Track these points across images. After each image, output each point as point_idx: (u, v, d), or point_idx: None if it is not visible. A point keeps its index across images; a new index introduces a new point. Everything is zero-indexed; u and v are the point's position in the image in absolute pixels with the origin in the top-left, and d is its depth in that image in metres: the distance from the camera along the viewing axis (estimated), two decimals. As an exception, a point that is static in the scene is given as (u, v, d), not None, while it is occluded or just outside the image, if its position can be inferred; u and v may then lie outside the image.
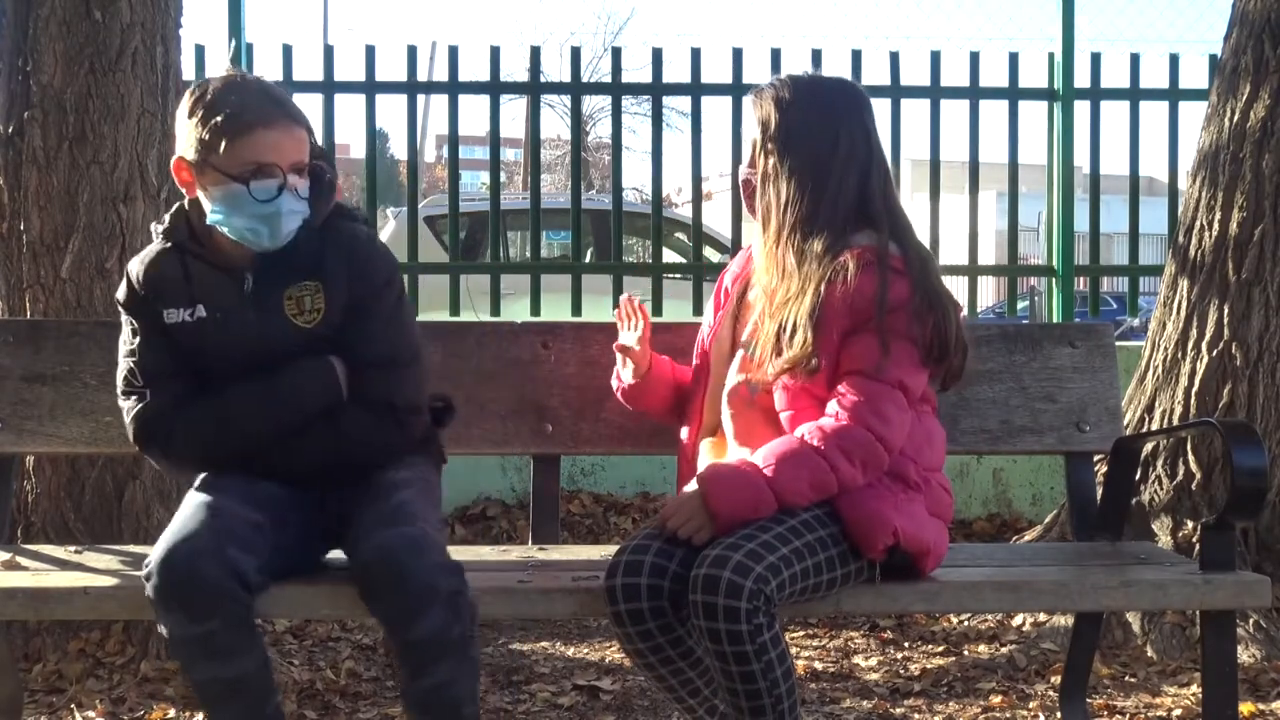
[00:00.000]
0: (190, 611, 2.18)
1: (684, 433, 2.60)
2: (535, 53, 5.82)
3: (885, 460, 2.30)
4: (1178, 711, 3.17)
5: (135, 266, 2.47)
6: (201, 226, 2.42)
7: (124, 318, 2.48)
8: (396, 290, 2.50)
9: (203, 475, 2.43)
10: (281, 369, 2.38)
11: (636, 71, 7.68)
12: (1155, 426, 3.78)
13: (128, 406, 2.44)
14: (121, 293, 2.48)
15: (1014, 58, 5.62)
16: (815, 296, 2.31)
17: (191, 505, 2.31)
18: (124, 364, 2.45)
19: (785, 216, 2.39)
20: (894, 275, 2.33)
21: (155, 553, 2.22)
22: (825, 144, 2.41)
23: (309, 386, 2.40)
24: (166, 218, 2.48)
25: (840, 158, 2.41)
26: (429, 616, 2.18)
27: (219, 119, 2.30)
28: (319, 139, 2.63)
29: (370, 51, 5.47)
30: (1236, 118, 3.76)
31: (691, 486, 2.35)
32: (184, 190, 2.42)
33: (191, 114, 2.34)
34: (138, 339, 2.44)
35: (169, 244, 2.45)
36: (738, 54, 5.51)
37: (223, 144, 2.30)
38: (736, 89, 5.46)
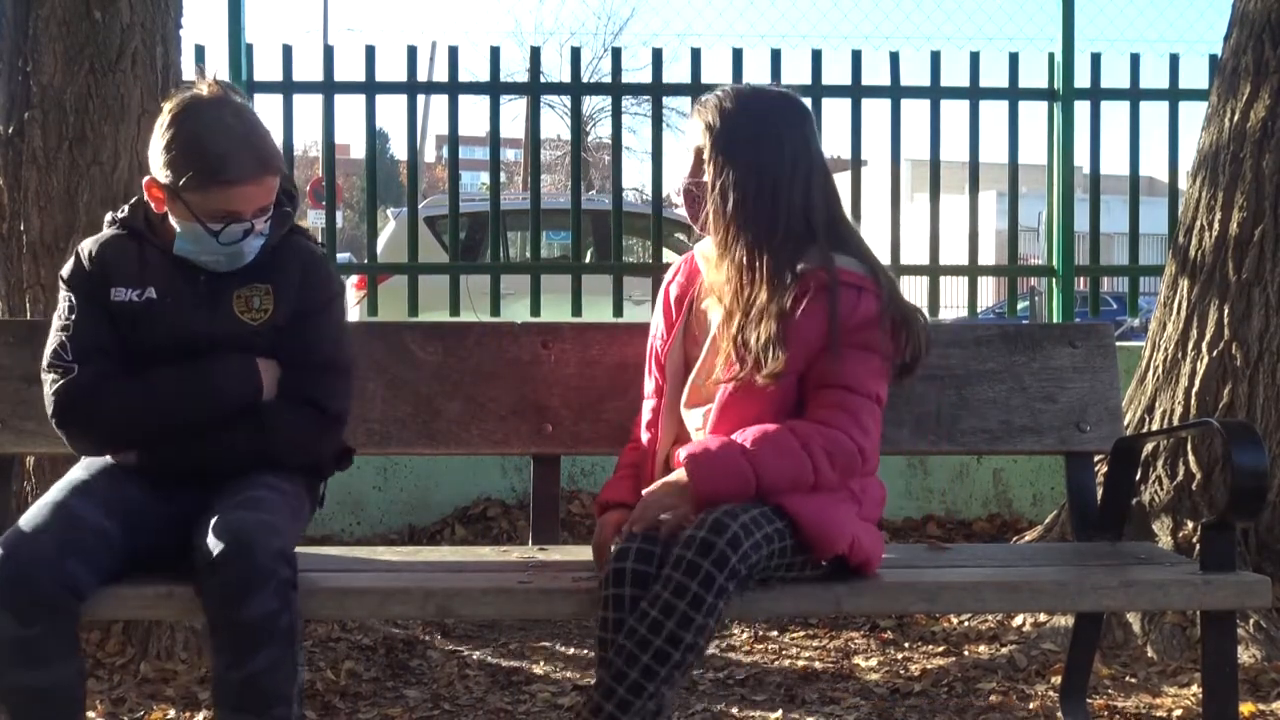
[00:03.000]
0: (18, 615, 2.16)
1: (644, 436, 2.60)
2: (535, 53, 5.82)
3: (859, 469, 2.38)
4: (1178, 712, 3.16)
5: (87, 245, 2.50)
6: (158, 217, 2.47)
7: (63, 294, 2.48)
8: (342, 306, 2.58)
9: (72, 471, 2.42)
10: (207, 359, 2.41)
11: (636, 72, 7.67)
12: (1155, 427, 3.78)
13: (51, 380, 2.41)
14: (67, 269, 2.49)
15: (1014, 58, 5.62)
16: (780, 315, 2.34)
17: (46, 505, 2.29)
18: (54, 338, 2.44)
19: (734, 225, 2.41)
20: (863, 294, 2.38)
21: None
22: (769, 151, 2.43)
23: (231, 379, 2.42)
24: (125, 208, 2.53)
25: (785, 165, 2.43)
26: (263, 596, 2.16)
27: (199, 167, 2.32)
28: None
29: (370, 51, 5.46)
30: (1236, 118, 3.75)
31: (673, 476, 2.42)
32: (153, 204, 2.45)
33: (170, 146, 2.35)
34: (74, 315, 2.44)
35: (124, 231, 2.49)
36: (738, 54, 5.52)
37: (198, 190, 2.34)
38: (736, 89, 5.46)
